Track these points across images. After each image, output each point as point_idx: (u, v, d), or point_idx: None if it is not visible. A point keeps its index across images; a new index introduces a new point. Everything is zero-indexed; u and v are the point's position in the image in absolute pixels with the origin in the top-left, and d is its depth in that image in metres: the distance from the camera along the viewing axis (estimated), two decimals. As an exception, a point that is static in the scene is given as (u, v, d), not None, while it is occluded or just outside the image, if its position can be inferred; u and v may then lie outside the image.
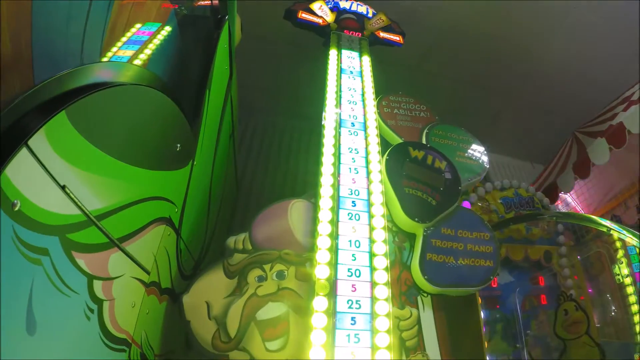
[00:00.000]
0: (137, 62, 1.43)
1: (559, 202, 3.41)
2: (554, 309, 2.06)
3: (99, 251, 0.98)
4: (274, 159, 4.27)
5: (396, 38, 2.92)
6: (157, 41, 1.59)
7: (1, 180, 0.67)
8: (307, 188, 4.04)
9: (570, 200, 3.56)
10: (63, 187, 0.82)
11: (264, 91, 4.33)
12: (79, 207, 0.87)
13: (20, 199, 0.71)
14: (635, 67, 3.37)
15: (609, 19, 3.72)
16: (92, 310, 0.93)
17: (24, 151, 0.72)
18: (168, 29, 1.71)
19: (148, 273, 1.27)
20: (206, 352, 1.39)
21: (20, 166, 0.71)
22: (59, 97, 0.83)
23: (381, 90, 2.56)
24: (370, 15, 2.93)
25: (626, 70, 3.58)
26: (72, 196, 0.84)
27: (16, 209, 0.70)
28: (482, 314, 1.92)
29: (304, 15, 2.71)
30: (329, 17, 2.79)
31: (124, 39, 1.43)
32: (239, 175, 3.61)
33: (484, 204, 2.62)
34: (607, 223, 1.99)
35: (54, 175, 0.79)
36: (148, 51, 1.51)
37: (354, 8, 2.89)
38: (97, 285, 0.96)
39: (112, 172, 1.02)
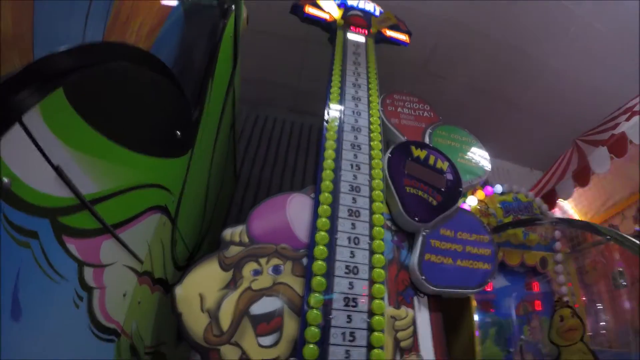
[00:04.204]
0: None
1: (556, 209, 3.38)
2: (549, 316, 2.04)
3: (91, 237, 0.94)
4: (272, 153, 4.23)
5: (403, 37, 2.89)
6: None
7: (-8, 157, 0.64)
8: (305, 184, 4.02)
9: (567, 208, 3.54)
10: (57, 168, 0.79)
11: (267, 84, 4.29)
12: (73, 190, 0.84)
13: (12, 178, 0.68)
14: (637, 78, 3.34)
15: (613, 28, 3.70)
16: (81, 298, 0.90)
17: (17, 127, 0.69)
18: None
19: (141, 262, 1.24)
20: (198, 345, 1.36)
21: (13, 143, 0.68)
22: (57, 72, 0.79)
23: (385, 89, 2.53)
24: (377, 13, 2.90)
25: (628, 80, 3.56)
26: (66, 178, 0.81)
27: (7, 187, 0.67)
28: (476, 317, 1.90)
29: (310, 10, 2.68)
30: (336, 13, 2.76)
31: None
32: (237, 168, 3.58)
33: (482, 207, 2.60)
34: (607, 231, 1.97)
35: (48, 154, 0.76)
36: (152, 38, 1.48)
37: (361, 5, 2.86)
38: (88, 272, 0.93)
39: (109, 156, 0.99)
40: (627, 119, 2.87)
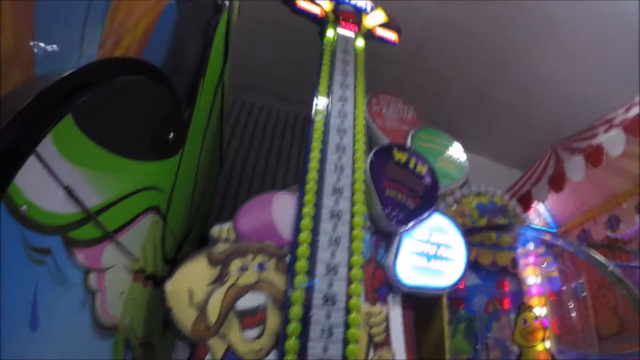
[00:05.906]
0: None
1: (531, 211, 3.51)
2: (515, 315, 2.20)
3: (95, 245, 1.01)
4: (256, 142, 4.25)
5: (392, 37, 2.92)
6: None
7: (11, 189, 0.69)
8: (289, 175, 4.08)
9: (542, 211, 3.68)
10: (66, 188, 0.85)
11: (254, 71, 4.27)
12: (82, 207, 0.90)
13: (28, 205, 0.74)
14: (619, 90, 3.43)
15: (601, 39, 3.81)
16: (86, 302, 0.98)
17: (32, 158, 0.74)
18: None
19: (137, 261, 1.31)
20: (186, 338, 1.45)
21: (29, 173, 0.74)
22: (64, 99, 0.84)
23: (371, 84, 2.57)
24: (368, 10, 2.91)
25: (611, 91, 3.68)
26: (76, 196, 0.87)
27: (24, 214, 0.73)
28: (447, 314, 2.05)
29: (302, 3, 2.68)
30: (327, 7, 2.77)
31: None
32: (222, 155, 3.61)
33: (459, 207, 2.73)
34: (572, 247, 2.12)
35: (59, 177, 0.82)
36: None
37: (353, 1, 2.87)
38: (92, 277, 1.00)
39: (112, 167, 1.05)
40: (606, 131, 2.95)
